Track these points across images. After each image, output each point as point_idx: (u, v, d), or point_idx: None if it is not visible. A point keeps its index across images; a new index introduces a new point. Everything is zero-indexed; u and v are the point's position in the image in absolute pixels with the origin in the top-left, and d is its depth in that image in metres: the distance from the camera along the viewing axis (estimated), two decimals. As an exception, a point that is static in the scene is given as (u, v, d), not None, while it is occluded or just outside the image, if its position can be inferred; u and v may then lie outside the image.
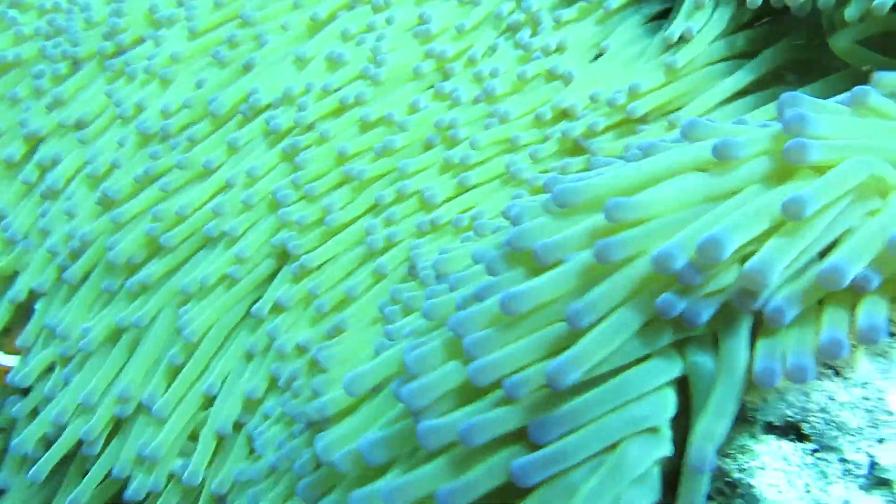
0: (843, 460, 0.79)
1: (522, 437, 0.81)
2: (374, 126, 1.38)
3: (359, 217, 1.33)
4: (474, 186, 1.33)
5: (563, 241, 0.87)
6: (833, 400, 0.80)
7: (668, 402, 0.83)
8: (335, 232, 1.32)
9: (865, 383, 0.80)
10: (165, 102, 1.43)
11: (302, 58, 1.44)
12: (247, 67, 1.45)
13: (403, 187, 1.32)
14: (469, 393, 0.84)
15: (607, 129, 1.32)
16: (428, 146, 1.36)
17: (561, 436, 0.79)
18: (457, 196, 1.33)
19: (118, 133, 1.45)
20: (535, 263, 0.87)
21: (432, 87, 1.40)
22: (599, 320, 0.81)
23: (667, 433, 0.82)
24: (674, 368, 0.83)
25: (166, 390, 1.30)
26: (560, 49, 1.38)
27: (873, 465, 0.79)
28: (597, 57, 1.39)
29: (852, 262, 0.78)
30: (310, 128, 1.38)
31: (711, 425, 0.78)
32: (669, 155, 0.90)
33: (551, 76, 1.36)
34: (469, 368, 0.83)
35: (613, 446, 0.80)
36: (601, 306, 0.82)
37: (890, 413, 0.79)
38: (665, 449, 0.81)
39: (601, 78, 1.34)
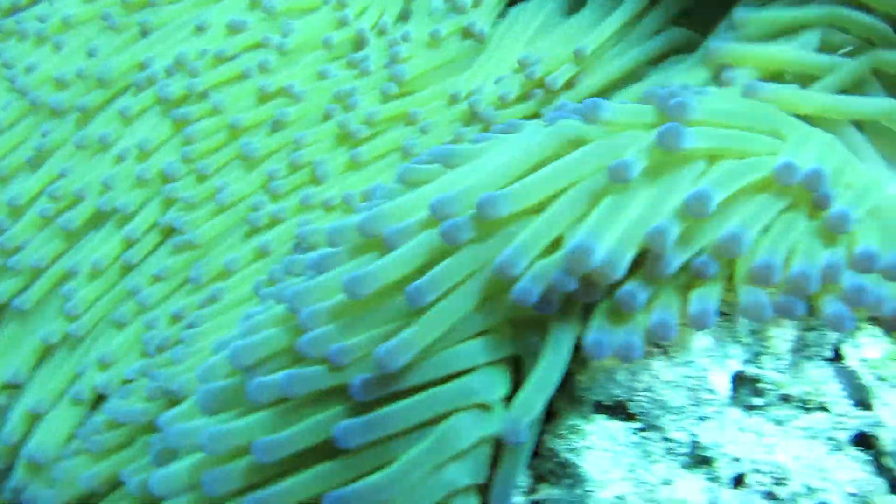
0: (666, 439, 0.79)
1: (349, 400, 0.80)
2: (273, 97, 1.35)
3: (250, 194, 1.31)
4: (369, 162, 1.31)
5: (412, 225, 0.85)
6: (658, 379, 0.80)
7: (501, 381, 0.82)
8: (225, 209, 1.30)
9: (689, 362, 0.80)
10: (58, 72, 1.39)
11: (202, 26, 1.41)
12: (142, 34, 1.41)
13: (297, 160, 1.30)
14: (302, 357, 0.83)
15: (518, 98, 1.30)
16: (327, 117, 1.33)
17: (384, 398, 0.78)
18: (349, 171, 1.31)
19: (5, 99, 1.41)
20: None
21: (340, 56, 1.38)
22: (437, 298, 0.80)
23: (499, 412, 0.81)
24: (506, 346, 0.82)
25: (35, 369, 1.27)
26: (476, 3, 1.35)
27: (694, 443, 0.79)
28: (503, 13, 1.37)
29: (596, 240, 0.77)
30: (203, 97, 1.35)
31: (530, 397, 0.78)
32: (531, 144, 0.88)
33: (467, 34, 1.34)
34: (300, 341, 0.81)
35: (441, 418, 0.79)
36: (442, 283, 0.81)
37: (712, 391, 0.79)
38: (495, 427, 0.80)
39: (523, 44, 1.32)
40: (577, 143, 0.87)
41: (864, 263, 0.78)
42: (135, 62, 1.39)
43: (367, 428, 0.78)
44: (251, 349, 0.85)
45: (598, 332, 0.78)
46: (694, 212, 0.77)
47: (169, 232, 1.30)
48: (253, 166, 1.31)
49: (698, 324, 0.78)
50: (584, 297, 0.80)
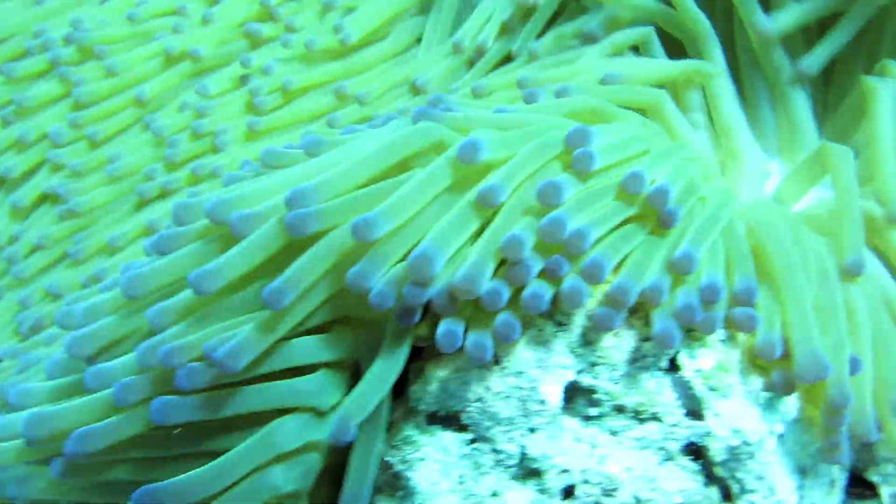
0: (495, 451, 0.78)
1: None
2: (178, 59, 1.31)
3: (144, 163, 1.28)
4: (269, 131, 1.28)
5: (260, 213, 0.83)
6: (489, 390, 0.78)
7: (338, 385, 0.80)
8: (116, 178, 1.26)
9: (520, 373, 0.79)
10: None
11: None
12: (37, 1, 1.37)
13: (198, 128, 1.26)
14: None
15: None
16: (240, 84, 1.28)
17: (209, 385, 0.77)
18: (250, 141, 1.28)
19: None
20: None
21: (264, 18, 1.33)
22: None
23: (332, 418, 0.80)
24: (348, 348, 0.81)
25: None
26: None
27: (524, 455, 0.78)
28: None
29: (439, 248, 0.76)
30: (99, 57, 1.31)
31: (361, 399, 0.77)
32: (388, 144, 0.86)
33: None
34: (140, 347, 0.79)
35: (269, 416, 0.78)
36: (300, 283, 0.78)
37: (542, 402, 0.78)
38: (325, 433, 0.79)
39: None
40: (439, 146, 0.84)
41: (709, 295, 0.77)
42: (30, 30, 1.35)
43: (186, 407, 0.76)
44: (88, 339, 0.82)
45: (448, 324, 0.77)
46: (547, 238, 0.77)
47: (55, 200, 1.27)
48: (150, 134, 1.28)
49: (531, 307, 0.76)
50: (447, 311, 0.78)
